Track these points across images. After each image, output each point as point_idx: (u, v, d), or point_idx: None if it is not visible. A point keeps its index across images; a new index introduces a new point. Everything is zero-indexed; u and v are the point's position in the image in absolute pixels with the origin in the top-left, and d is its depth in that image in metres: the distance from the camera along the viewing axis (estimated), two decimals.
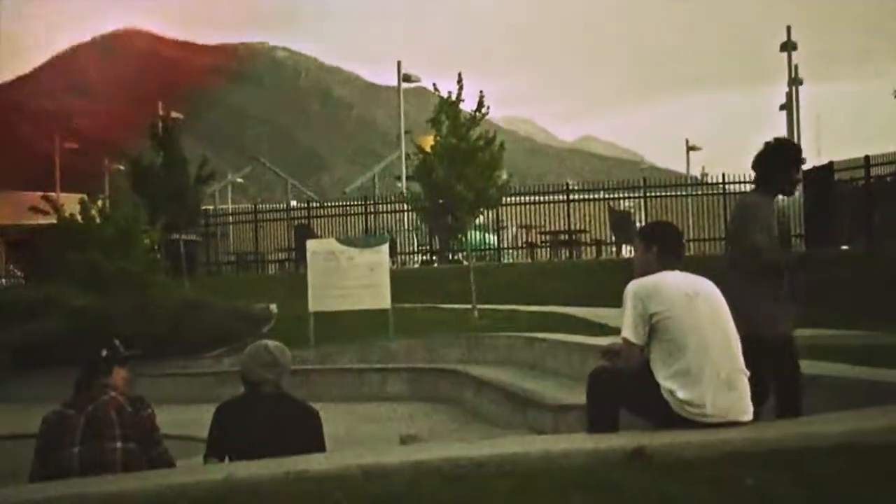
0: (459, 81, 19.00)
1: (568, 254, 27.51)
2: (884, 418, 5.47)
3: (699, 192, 30.36)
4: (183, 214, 25.47)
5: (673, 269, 5.83)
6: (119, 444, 5.68)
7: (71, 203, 22.94)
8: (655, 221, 8.53)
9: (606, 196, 29.29)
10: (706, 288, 5.78)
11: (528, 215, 29.15)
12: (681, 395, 5.43)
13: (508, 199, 23.23)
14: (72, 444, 5.67)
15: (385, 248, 18.79)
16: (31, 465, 5.85)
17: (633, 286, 5.72)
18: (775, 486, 4.33)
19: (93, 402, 5.80)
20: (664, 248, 5.95)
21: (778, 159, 7.01)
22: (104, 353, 5.99)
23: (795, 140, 33.74)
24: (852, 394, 6.93)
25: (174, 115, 33.50)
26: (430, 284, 22.81)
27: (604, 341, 11.58)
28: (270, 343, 6.20)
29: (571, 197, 28.99)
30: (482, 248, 28.38)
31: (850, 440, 4.92)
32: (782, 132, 34.98)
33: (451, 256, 28.04)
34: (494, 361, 15.82)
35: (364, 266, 18.11)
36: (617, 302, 5.87)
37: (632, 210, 28.38)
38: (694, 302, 5.61)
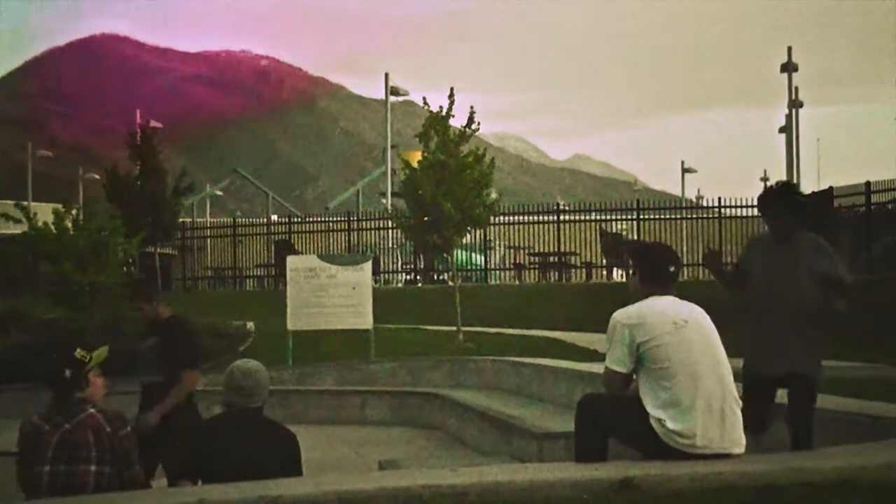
0: (451, 96, 18.77)
1: (557, 276, 27.24)
2: (883, 454, 5.35)
3: (694, 216, 30.02)
4: (159, 226, 25.19)
5: (661, 294, 5.67)
6: (93, 468, 5.55)
7: (44, 212, 22.35)
8: (645, 243, 8.23)
9: (598, 218, 29.03)
10: (696, 315, 5.66)
11: (516, 236, 29.01)
12: (670, 425, 5.36)
13: (497, 218, 22.83)
14: (42, 462, 5.54)
15: (368, 266, 18.59)
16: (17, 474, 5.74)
17: (619, 315, 5.61)
18: None
19: (69, 419, 5.63)
20: (647, 274, 5.78)
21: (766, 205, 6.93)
22: (68, 373, 5.69)
23: (794, 164, 33.49)
24: (852, 428, 6.82)
25: (153, 123, 33.14)
26: (413, 305, 22.70)
27: (593, 367, 11.25)
28: (240, 365, 6.04)
29: (562, 218, 28.75)
30: (469, 268, 28.22)
31: (847, 476, 4.83)
32: (781, 155, 34.79)
33: (436, 276, 27.97)
34: (479, 386, 15.64)
35: (346, 284, 17.87)
36: (607, 327, 5.69)
37: (624, 232, 28.08)
38: (683, 330, 5.50)
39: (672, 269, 5.91)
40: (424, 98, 19.23)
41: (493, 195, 19.52)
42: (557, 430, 10.07)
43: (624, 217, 29.04)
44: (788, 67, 34.44)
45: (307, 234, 30.89)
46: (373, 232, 30.49)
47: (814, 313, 6.63)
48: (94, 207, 23.03)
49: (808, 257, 6.65)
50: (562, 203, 33.85)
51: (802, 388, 6.61)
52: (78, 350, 5.83)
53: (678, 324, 5.52)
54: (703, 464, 5.15)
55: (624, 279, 27.20)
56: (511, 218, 28.54)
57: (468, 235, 22.23)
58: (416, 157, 20.01)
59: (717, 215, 28.29)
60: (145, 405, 8.33)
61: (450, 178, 18.24)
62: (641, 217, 28.21)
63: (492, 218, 20.47)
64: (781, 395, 6.81)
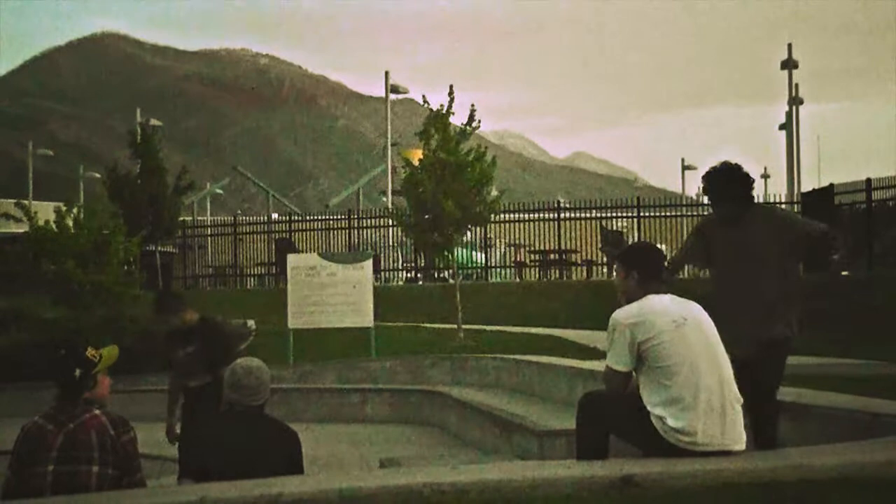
0: (451, 94, 18.78)
1: (557, 274, 27.16)
2: (883, 452, 5.31)
3: (694, 213, 29.86)
4: (160, 225, 25.17)
5: (656, 292, 5.71)
6: (95, 469, 5.50)
7: (45, 211, 22.35)
8: (634, 245, 8.37)
9: (598, 215, 28.92)
10: (695, 313, 5.69)
11: (517, 233, 28.88)
12: (671, 422, 5.38)
13: (497, 216, 22.76)
14: (46, 462, 5.48)
15: (368, 264, 18.57)
16: (4, 477, 5.68)
17: (620, 315, 5.65)
18: None
19: (73, 419, 5.57)
20: (645, 272, 5.83)
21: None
22: (77, 372, 5.64)
23: (795, 161, 33.46)
24: (852, 425, 6.71)
25: (153, 122, 33.15)
26: (414, 303, 22.67)
27: (594, 365, 11.24)
28: (241, 363, 6.05)
29: (562, 215, 28.64)
30: (469, 266, 28.13)
31: (848, 473, 4.81)
32: (782, 152, 34.71)
33: (436, 274, 27.82)
34: (480, 384, 15.57)
35: (346, 282, 17.93)
36: (607, 325, 5.69)
37: (625, 230, 27.99)
38: (682, 329, 5.53)
39: (665, 265, 6.09)
40: (424, 96, 19.24)
41: (494, 193, 19.50)
42: (558, 428, 10.04)
43: (624, 214, 28.95)
44: (789, 64, 34.42)
45: (308, 233, 30.86)
46: (373, 230, 30.43)
47: (784, 285, 6.65)
48: (95, 206, 23.03)
49: (773, 230, 6.65)
50: (562, 201, 33.74)
51: (774, 356, 6.62)
52: (89, 349, 5.79)
53: (678, 322, 5.54)
54: (704, 461, 5.11)
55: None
56: (511, 216, 28.39)
57: (469, 233, 22.18)
58: (416, 156, 19.99)
59: None
60: (200, 408, 8.30)
61: (450, 176, 18.23)
62: (642, 214, 28.13)
63: (492, 216, 20.44)
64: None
